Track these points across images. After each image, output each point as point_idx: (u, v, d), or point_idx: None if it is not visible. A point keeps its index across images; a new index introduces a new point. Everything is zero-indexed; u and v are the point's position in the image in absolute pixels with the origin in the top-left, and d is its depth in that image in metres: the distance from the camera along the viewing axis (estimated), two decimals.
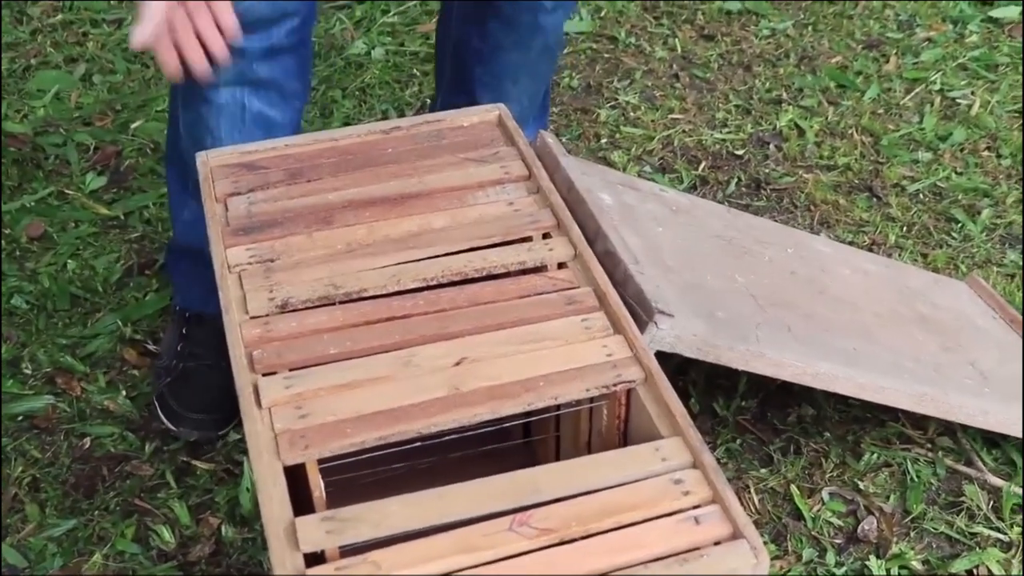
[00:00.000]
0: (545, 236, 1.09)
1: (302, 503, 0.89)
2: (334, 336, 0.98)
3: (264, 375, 0.94)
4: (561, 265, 1.06)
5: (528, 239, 1.08)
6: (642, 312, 1.01)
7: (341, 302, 1.02)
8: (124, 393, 1.46)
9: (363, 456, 0.92)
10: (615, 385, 0.94)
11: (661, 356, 0.99)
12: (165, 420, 1.40)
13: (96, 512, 1.32)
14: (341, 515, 0.83)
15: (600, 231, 1.09)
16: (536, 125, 1.57)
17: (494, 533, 0.82)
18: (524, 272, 1.06)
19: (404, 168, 1.17)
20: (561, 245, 1.07)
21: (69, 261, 1.68)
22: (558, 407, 0.97)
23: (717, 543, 0.82)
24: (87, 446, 1.40)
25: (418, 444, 0.94)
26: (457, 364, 0.96)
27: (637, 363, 0.95)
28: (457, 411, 0.92)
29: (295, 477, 0.89)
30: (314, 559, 0.83)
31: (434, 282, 1.04)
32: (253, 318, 1.00)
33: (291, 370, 0.94)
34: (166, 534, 1.29)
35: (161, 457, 1.39)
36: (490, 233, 1.08)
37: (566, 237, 1.07)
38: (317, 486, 0.92)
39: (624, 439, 0.99)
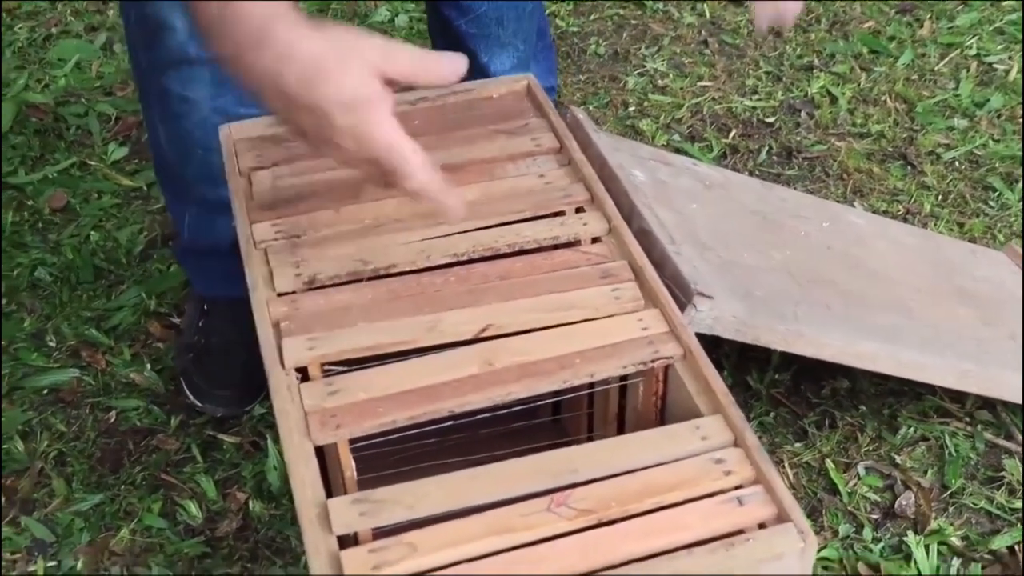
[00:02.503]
0: (578, 210, 1.06)
1: (328, 479, 0.88)
2: (363, 311, 0.96)
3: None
4: (595, 240, 1.03)
5: (561, 213, 1.06)
6: (680, 294, 0.98)
7: (370, 278, 1.00)
8: (149, 366, 1.45)
9: (391, 433, 0.91)
10: (653, 362, 0.92)
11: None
12: (191, 396, 1.38)
13: (122, 487, 1.31)
14: (374, 497, 0.82)
15: (635, 210, 1.06)
16: (541, 68, 1.52)
17: (531, 514, 0.80)
18: (556, 247, 1.03)
19: (432, 140, 1.14)
20: (595, 219, 1.04)
21: (92, 233, 1.66)
22: (591, 384, 0.95)
23: (761, 525, 0.80)
24: (112, 420, 1.39)
25: (448, 421, 0.92)
26: (483, 331, 0.94)
27: (675, 339, 0.93)
28: (490, 389, 0.90)
29: (321, 452, 0.87)
30: (347, 541, 0.81)
31: (464, 257, 1.02)
32: (280, 295, 0.98)
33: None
34: (193, 509, 1.28)
35: (187, 431, 1.37)
36: (521, 207, 1.06)
37: (600, 211, 1.04)
38: (349, 466, 0.91)
39: (661, 416, 0.97)
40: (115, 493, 1.31)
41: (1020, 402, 1.24)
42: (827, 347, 1.06)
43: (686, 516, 0.80)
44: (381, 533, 0.81)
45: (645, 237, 1.05)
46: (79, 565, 1.23)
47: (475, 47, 1.45)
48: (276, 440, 1.33)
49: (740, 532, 0.80)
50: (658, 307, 0.95)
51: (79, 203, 1.72)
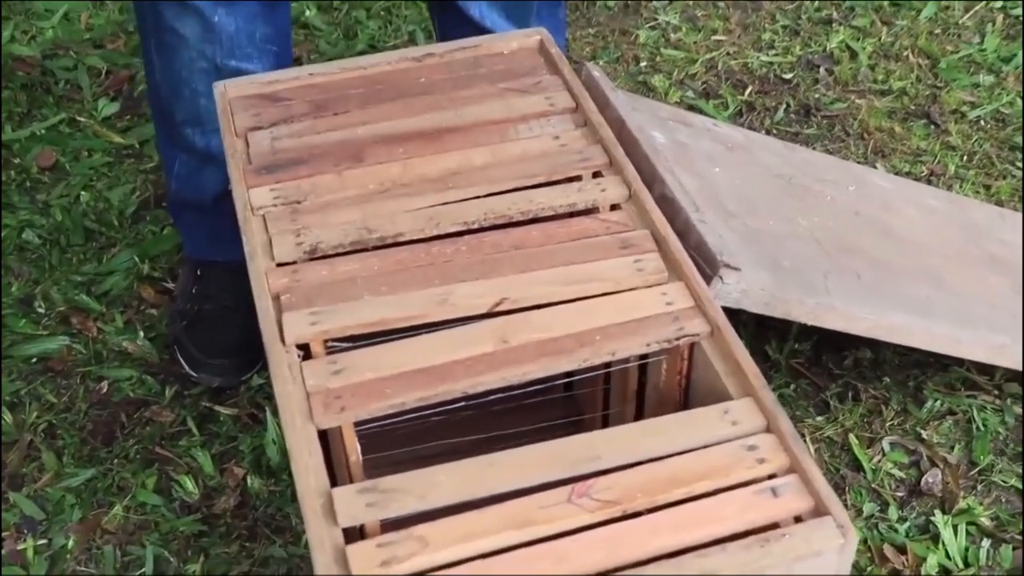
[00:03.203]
0: (596, 175, 1.00)
1: (330, 461, 0.82)
2: (369, 283, 0.90)
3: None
4: (614, 207, 0.97)
5: (577, 178, 1.00)
6: (706, 265, 0.92)
7: (375, 247, 0.94)
8: (142, 334, 1.39)
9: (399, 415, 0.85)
10: (678, 339, 0.86)
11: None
12: (185, 366, 1.33)
13: (115, 461, 1.26)
14: (382, 486, 0.76)
15: (656, 174, 1.00)
16: (547, 19, 1.44)
17: (551, 505, 0.75)
18: (573, 215, 0.97)
19: (439, 99, 1.08)
20: (614, 185, 0.98)
21: (82, 193, 1.60)
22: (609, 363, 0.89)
23: (797, 518, 0.75)
24: (104, 390, 1.33)
25: (460, 402, 0.87)
26: (497, 305, 0.88)
27: (701, 315, 0.87)
28: (505, 369, 0.84)
29: (323, 433, 0.82)
30: (353, 534, 0.76)
31: (476, 225, 0.95)
32: (280, 265, 0.92)
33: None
34: (189, 484, 1.22)
35: (182, 402, 1.32)
36: (535, 171, 0.99)
37: (619, 176, 0.98)
38: (354, 450, 0.85)
39: (685, 397, 0.91)
40: (107, 468, 1.25)
41: None
42: (859, 321, 1.00)
43: (718, 508, 0.75)
44: (389, 524, 0.76)
45: (667, 204, 0.99)
46: (70, 543, 1.18)
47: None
48: (275, 412, 1.27)
49: (775, 526, 0.75)
50: (683, 280, 0.89)
51: (68, 161, 1.65)
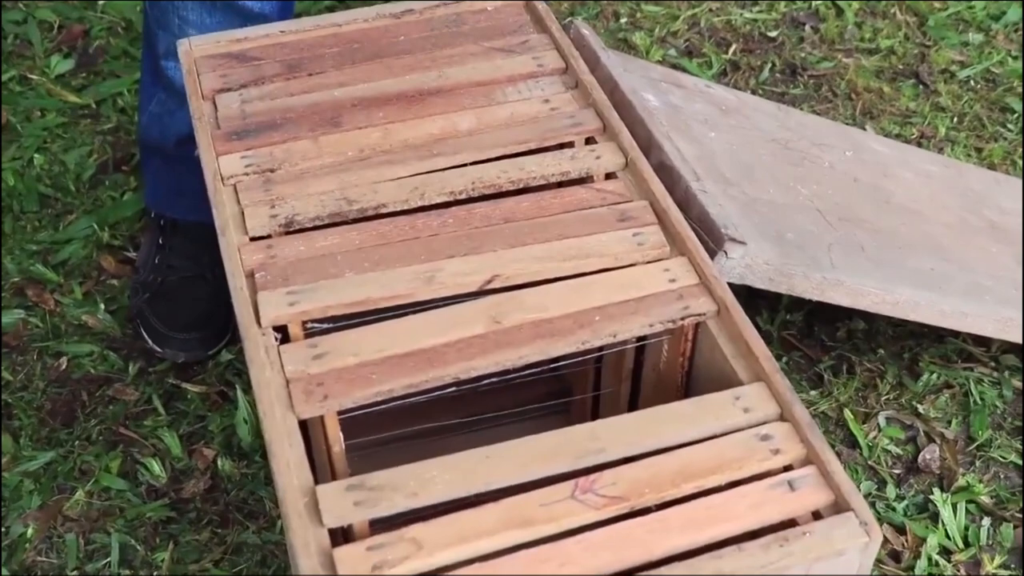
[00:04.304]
0: (589, 141, 0.94)
1: (310, 450, 0.77)
2: (350, 259, 0.84)
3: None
4: (609, 176, 0.91)
5: (569, 144, 0.94)
6: (709, 239, 0.86)
7: (355, 219, 0.87)
8: (103, 307, 1.32)
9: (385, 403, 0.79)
10: (682, 319, 0.80)
11: None
12: (149, 340, 1.26)
13: (76, 443, 1.19)
14: (370, 482, 0.71)
15: (653, 140, 0.94)
16: None
17: (553, 503, 0.70)
18: (565, 184, 0.91)
19: (420, 59, 1.01)
20: (609, 152, 0.92)
21: (36, 156, 1.51)
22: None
23: (816, 513, 0.70)
24: (63, 367, 1.26)
25: (451, 388, 0.81)
26: (488, 282, 0.82)
27: (707, 292, 0.82)
28: (499, 352, 0.78)
29: (303, 422, 0.76)
30: (340, 534, 0.70)
31: (463, 196, 0.89)
32: (254, 239, 0.85)
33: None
34: (156, 467, 1.16)
35: (147, 379, 1.25)
36: (525, 137, 0.93)
37: (614, 142, 0.92)
38: (337, 440, 0.80)
39: (687, 380, 0.86)
40: (68, 450, 1.18)
41: None
42: (865, 296, 0.95)
43: (732, 504, 0.70)
44: (379, 524, 0.70)
45: (666, 173, 0.93)
46: (29, 531, 1.11)
47: None
48: (246, 389, 1.21)
49: (792, 522, 0.70)
50: (686, 255, 0.84)
51: (20, 122, 1.56)
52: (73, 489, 1.15)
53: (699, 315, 0.81)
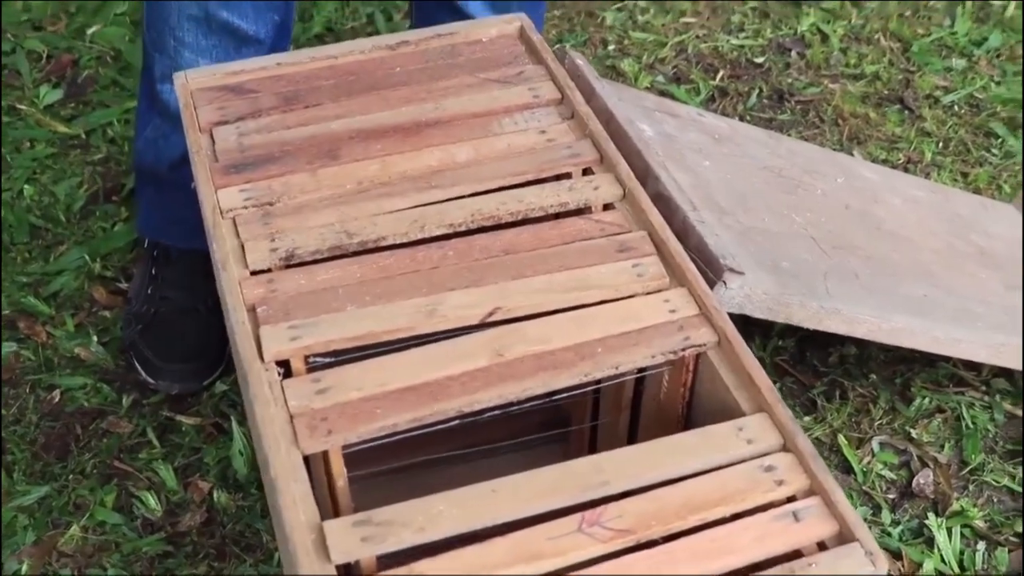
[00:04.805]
0: (586, 171, 0.94)
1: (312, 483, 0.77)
2: (351, 293, 0.84)
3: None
4: (607, 206, 0.92)
5: (567, 175, 0.94)
6: (708, 270, 0.87)
7: (356, 252, 0.88)
8: (95, 338, 1.31)
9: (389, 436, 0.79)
10: (683, 350, 0.81)
11: None
12: (142, 372, 1.25)
13: (71, 477, 1.18)
14: (377, 518, 0.71)
15: (650, 171, 0.95)
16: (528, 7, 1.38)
17: (560, 536, 0.70)
18: (564, 215, 0.92)
19: (416, 91, 1.02)
20: (606, 182, 0.92)
21: (26, 187, 1.51)
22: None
23: (821, 544, 0.70)
24: (57, 400, 1.26)
25: (454, 421, 0.81)
26: (490, 315, 0.83)
27: (707, 323, 0.82)
28: (502, 385, 0.78)
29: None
30: (347, 569, 0.70)
31: (463, 228, 0.90)
32: (254, 273, 0.85)
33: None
34: (151, 501, 1.15)
35: (140, 411, 1.24)
36: (522, 168, 0.94)
37: (611, 173, 0.93)
38: (341, 475, 0.80)
39: (687, 411, 0.87)
40: (63, 484, 1.18)
41: None
42: (861, 324, 0.96)
43: (738, 536, 0.70)
44: (386, 559, 0.70)
45: (663, 203, 0.94)
46: (24, 568, 1.10)
47: None
48: (241, 421, 1.21)
49: (797, 553, 0.70)
50: (685, 285, 0.85)
51: (9, 153, 1.56)
52: (68, 524, 1.14)
53: (700, 346, 0.81)
